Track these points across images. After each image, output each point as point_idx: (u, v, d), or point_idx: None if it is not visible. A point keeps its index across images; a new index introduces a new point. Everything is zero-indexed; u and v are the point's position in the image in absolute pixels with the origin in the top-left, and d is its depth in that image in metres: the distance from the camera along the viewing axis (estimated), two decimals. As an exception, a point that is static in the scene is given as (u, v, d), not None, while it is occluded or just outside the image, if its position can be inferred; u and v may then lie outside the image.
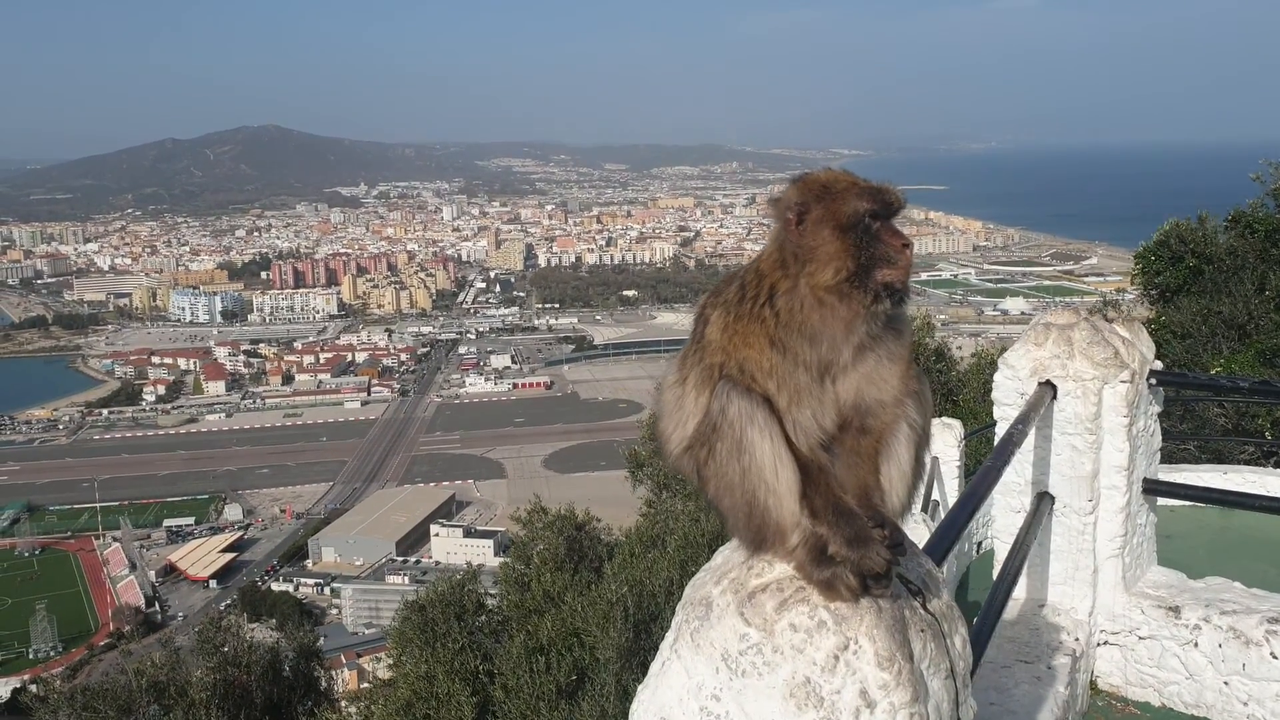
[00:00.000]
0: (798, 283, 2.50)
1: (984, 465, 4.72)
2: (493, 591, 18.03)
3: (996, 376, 6.22)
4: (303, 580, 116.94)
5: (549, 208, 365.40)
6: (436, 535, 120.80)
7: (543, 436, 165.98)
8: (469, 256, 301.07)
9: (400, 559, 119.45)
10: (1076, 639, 5.76)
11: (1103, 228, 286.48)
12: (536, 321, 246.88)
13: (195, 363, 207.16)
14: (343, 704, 19.00)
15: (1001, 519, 6.32)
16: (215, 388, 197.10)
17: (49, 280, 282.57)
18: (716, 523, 15.04)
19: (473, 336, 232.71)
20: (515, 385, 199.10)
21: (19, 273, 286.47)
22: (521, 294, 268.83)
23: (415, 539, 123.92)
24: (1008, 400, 6.09)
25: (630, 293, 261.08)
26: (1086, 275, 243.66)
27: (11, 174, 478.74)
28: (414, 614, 15.14)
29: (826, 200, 2.50)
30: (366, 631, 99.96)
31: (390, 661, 16.61)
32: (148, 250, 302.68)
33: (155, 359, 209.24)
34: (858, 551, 2.44)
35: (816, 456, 2.52)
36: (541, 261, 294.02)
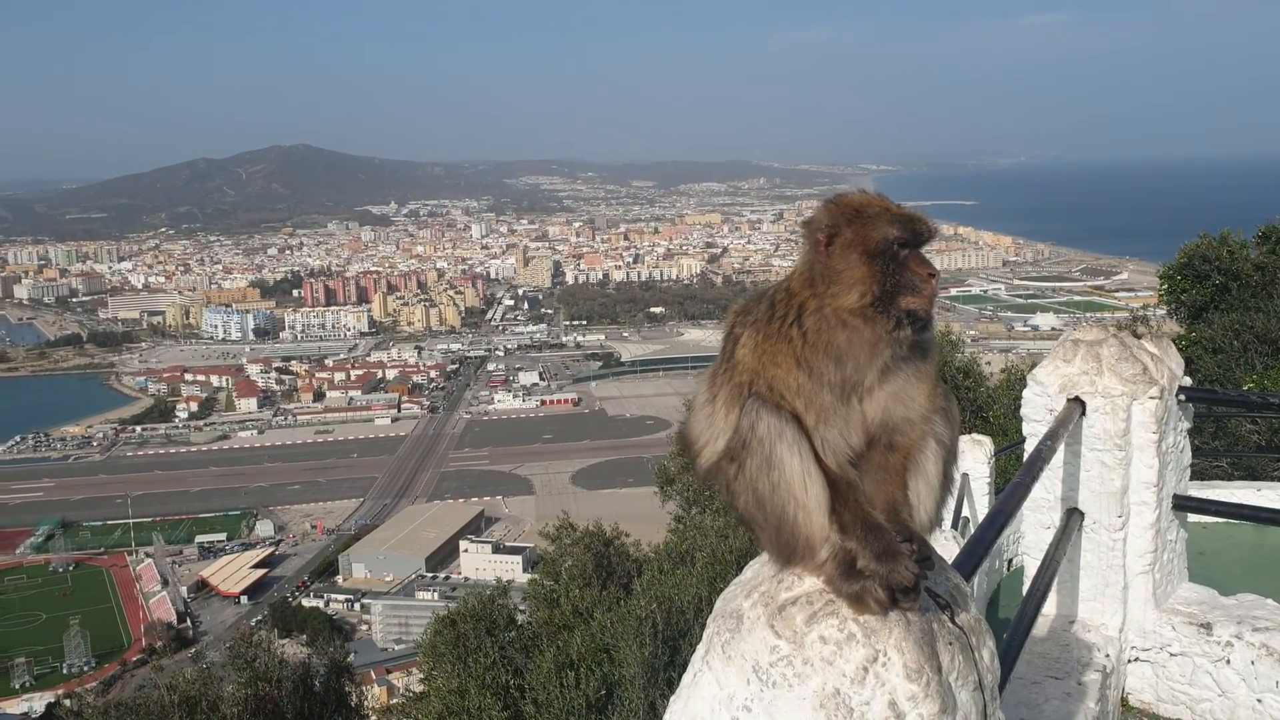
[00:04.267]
0: (824, 303, 2.55)
1: (1013, 481, 4.74)
2: (522, 607, 18.09)
3: (1025, 393, 6.24)
4: (333, 596, 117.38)
5: (576, 225, 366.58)
6: (465, 551, 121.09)
7: (570, 453, 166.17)
8: (497, 274, 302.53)
9: (430, 575, 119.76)
10: (1107, 655, 5.75)
11: (1134, 243, 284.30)
12: (564, 338, 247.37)
13: (227, 380, 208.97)
14: (372, 719, 19.08)
15: (1031, 535, 6.32)
16: (247, 404, 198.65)
17: (84, 298, 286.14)
18: (745, 539, 15.07)
19: (501, 353, 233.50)
20: (543, 402, 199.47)
21: (55, 291, 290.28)
22: (549, 311, 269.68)
23: (444, 555, 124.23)
24: (1037, 416, 6.10)
25: (657, 309, 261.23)
26: (1117, 290, 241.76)
27: (48, 194, 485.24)
28: (445, 629, 15.22)
29: (857, 224, 2.54)
30: (396, 647, 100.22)
31: (422, 676, 16.70)
32: (181, 268, 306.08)
33: (188, 376, 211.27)
34: (886, 566, 2.47)
35: (845, 472, 2.57)
36: (569, 278, 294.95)
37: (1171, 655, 5.92)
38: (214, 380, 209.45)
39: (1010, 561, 9.79)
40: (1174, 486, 6.07)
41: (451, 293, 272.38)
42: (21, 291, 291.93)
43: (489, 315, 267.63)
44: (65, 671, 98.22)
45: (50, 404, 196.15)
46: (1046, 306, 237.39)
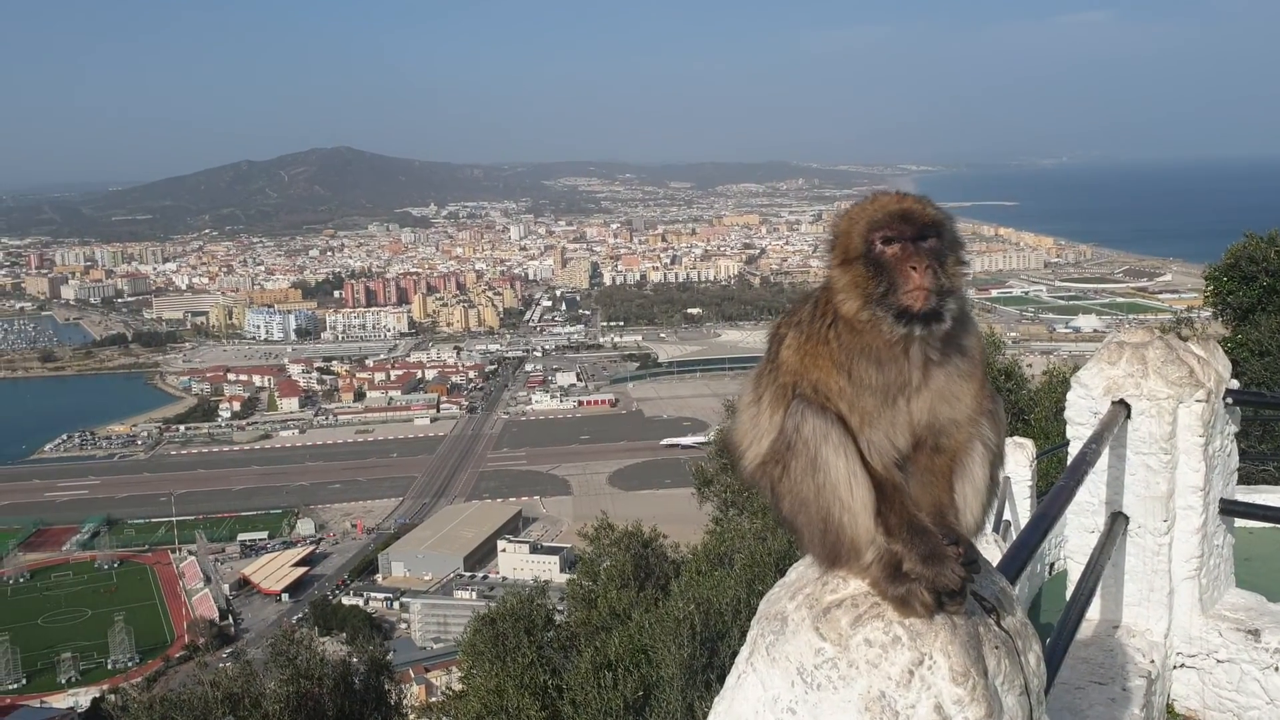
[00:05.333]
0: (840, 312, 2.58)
1: (1057, 484, 4.71)
2: (560, 607, 18.15)
3: (1069, 395, 6.18)
4: (372, 594, 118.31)
5: (614, 226, 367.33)
6: (503, 551, 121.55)
7: (607, 454, 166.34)
8: (535, 275, 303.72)
9: (468, 574, 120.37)
10: (1152, 661, 5.69)
11: (1178, 244, 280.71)
12: (601, 339, 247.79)
13: (270, 380, 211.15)
14: (411, 717, 19.21)
15: (1075, 539, 6.27)
16: (289, 404, 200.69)
17: (129, 299, 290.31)
18: (784, 541, 15.03)
19: (539, 354, 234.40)
20: (580, 403, 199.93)
21: (101, 291, 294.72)
22: (587, 312, 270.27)
23: (482, 554, 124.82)
24: (1081, 419, 6.05)
25: (695, 310, 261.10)
26: (1161, 292, 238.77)
27: (94, 195, 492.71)
28: (485, 627, 15.30)
29: (846, 231, 2.58)
30: (434, 646, 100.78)
31: (461, 674, 16.79)
32: (224, 269, 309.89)
33: (231, 376, 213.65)
34: (932, 569, 2.47)
35: (891, 475, 2.56)
36: (607, 280, 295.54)
37: (1218, 662, 5.85)
38: (256, 380, 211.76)
39: (1052, 566, 9.71)
40: (1221, 491, 6.00)
41: (490, 294, 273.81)
42: (69, 292, 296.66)
43: (527, 316, 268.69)
44: (110, 667, 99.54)
45: (96, 403, 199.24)
46: (1089, 308, 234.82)
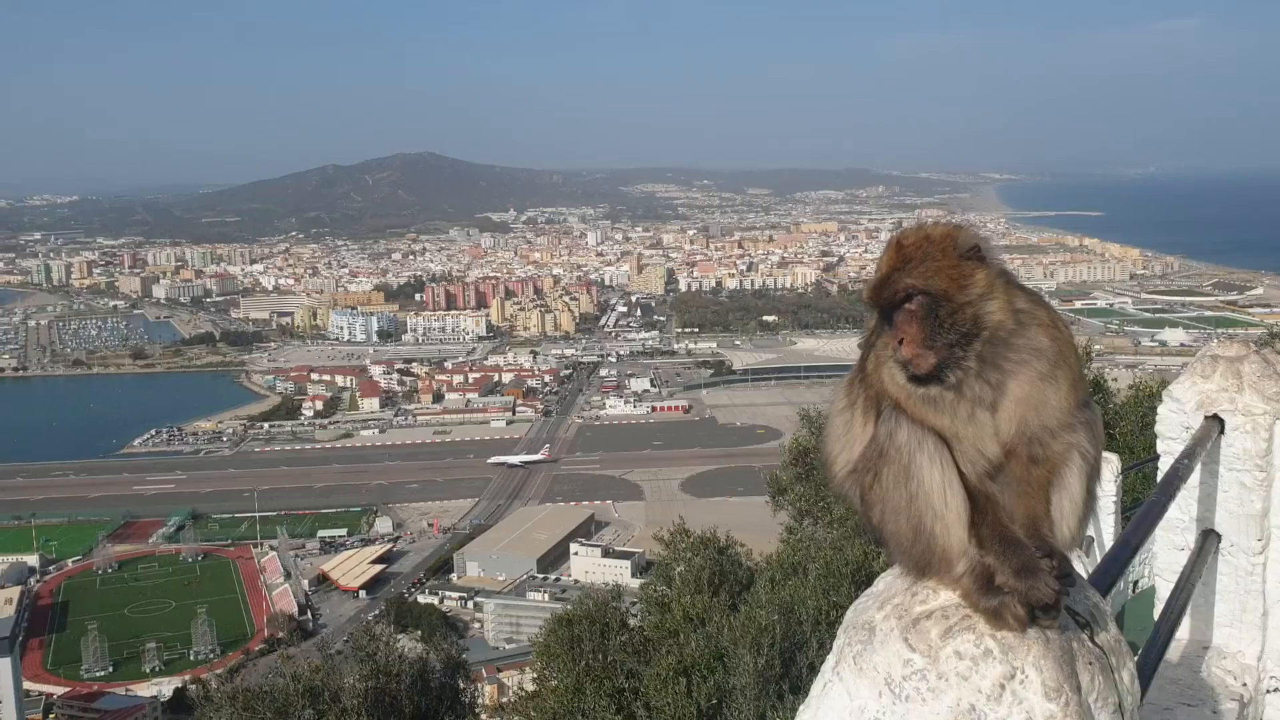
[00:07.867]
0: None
1: (1148, 501, 4.62)
2: (633, 611, 18.18)
3: (1160, 409, 6.05)
4: (447, 593, 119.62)
5: (691, 233, 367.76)
6: (576, 554, 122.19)
7: (680, 460, 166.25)
8: (611, 281, 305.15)
9: (541, 576, 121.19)
10: (1244, 684, 5.55)
11: (1270, 256, 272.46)
12: (676, 345, 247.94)
13: (352, 380, 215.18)
14: (484, 717, 19.40)
15: (1163, 556, 6.13)
16: (370, 404, 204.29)
17: (217, 299, 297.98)
18: (860, 552, 14.88)
19: (613, 359, 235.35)
20: (654, 408, 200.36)
21: (190, 291, 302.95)
22: (662, 318, 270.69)
23: (555, 557, 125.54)
24: (1172, 434, 5.91)
25: (770, 318, 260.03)
26: (1251, 306, 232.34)
27: (185, 198, 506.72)
28: (561, 628, 15.40)
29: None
30: (507, 646, 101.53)
31: (534, 674, 16.92)
32: (309, 271, 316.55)
33: (314, 376, 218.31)
34: (1026, 582, 2.42)
35: (984, 486, 2.54)
36: (682, 286, 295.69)
37: (1315, 687, 5.68)
38: (339, 380, 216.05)
39: (1136, 584, 9.50)
40: (1320, 510, 5.82)
41: (567, 299, 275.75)
42: (160, 291, 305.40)
43: (602, 321, 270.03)
44: (192, 658, 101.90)
45: (184, 399, 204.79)
46: (1175, 322, 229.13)
